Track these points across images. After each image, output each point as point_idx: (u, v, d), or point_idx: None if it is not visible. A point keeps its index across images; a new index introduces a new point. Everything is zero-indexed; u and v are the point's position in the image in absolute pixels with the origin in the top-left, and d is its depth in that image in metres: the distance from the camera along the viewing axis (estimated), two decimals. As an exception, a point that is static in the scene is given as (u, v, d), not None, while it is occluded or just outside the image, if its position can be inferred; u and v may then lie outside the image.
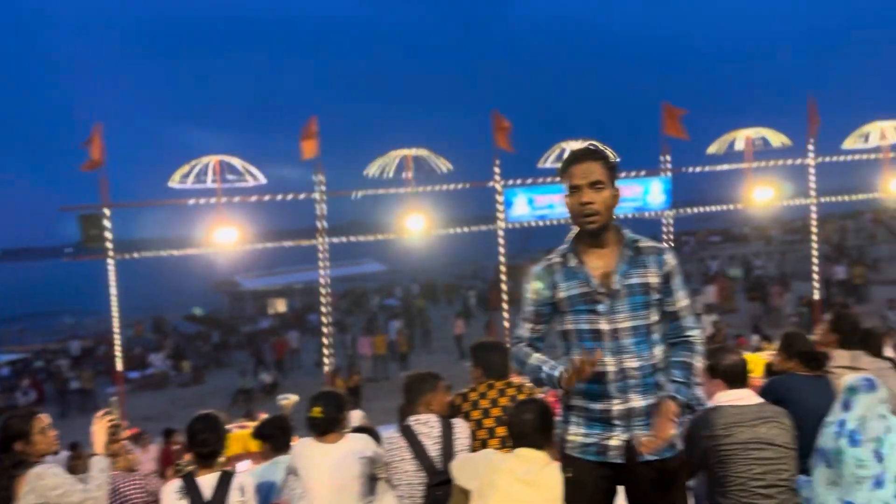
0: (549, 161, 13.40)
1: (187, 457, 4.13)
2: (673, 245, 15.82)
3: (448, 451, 3.45)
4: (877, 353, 4.60)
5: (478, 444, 3.63)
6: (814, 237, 15.70)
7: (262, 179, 12.28)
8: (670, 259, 2.68)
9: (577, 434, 2.68)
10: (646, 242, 2.68)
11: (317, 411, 3.63)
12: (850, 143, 15.08)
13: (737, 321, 21.90)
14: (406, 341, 21.28)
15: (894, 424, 3.28)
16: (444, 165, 12.45)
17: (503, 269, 14.17)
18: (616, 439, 2.62)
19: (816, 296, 16.06)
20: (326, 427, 3.64)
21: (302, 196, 12.56)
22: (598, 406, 2.62)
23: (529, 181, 13.56)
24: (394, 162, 12.44)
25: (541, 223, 13.72)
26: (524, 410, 3.04)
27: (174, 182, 12.18)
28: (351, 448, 3.62)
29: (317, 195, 12.36)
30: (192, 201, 12.35)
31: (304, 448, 3.68)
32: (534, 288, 2.71)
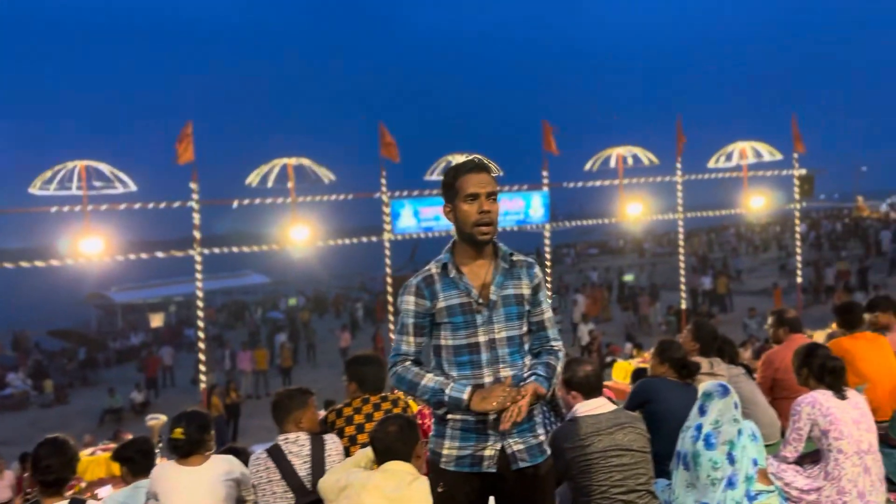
0: (436, 173, 13.50)
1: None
2: (552, 257, 16.31)
3: (319, 470, 3.34)
4: (732, 360, 4.91)
5: (351, 460, 3.55)
6: (681, 250, 16.63)
7: (133, 186, 11.66)
8: (538, 272, 2.79)
9: (451, 447, 2.66)
10: (518, 256, 2.75)
11: (178, 432, 3.44)
12: (713, 162, 16.12)
13: (611, 329, 22.86)
14: (289, 355, 20.75)
15: (745, 427, 3.47)
16: (326, 176, 12.28)
17: (390, 280, 14.12)
18: (490, 449, 2.63)
19: (683, 305, 17.01)
20: (189, 449, 3.45)
21: (176, 204, 12.01)
22: (473, 416, 2.62)
23: (416, 193, 13.61)
24: (274, 171, 12.14)
25: (427, 235, 13.78)
26: (388, 424, 3.00)
27: (35, 188, 11.36)
28: (215, 470, 3.45)
29: (193, 204, 11.85)
30: (54, 209, 11.55)
31: (165, 471, 3.47)
32: (413, 300, 2.67)
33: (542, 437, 2.75)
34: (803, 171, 16.52)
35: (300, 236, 12.29)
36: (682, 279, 16.57)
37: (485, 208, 2.57)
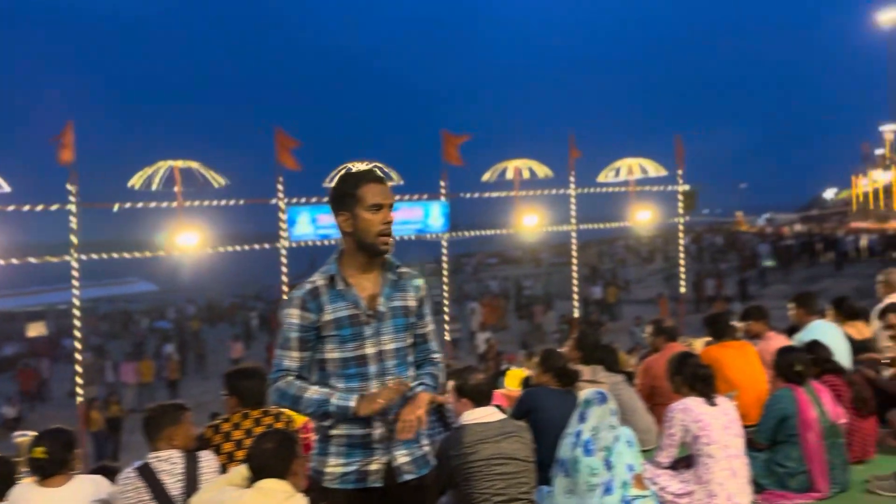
0: (335, 181, 13.25)
1: None
2: (452, 266, 16.45)
3: (192, 489, 3.20)
4: (613, 367, 5.09)
5: (229, 478, 3.42)
6: (574, 260, 17.13)
7: (6, 188, 10.89)
8: (423, 285, 2.80)
9: (336, 464, 2.60)
10: (404, 268, 2.74)
11: (39, 451, 3.24)
12: (603, 177, 16.73)
13: (507, 338, 23.30)
14: (177, 367, 19.93)
15: (622, 434, 3.59)
16: (216, 180, 11.86)
17: (286, 289, 13.80)
18: (376, 463, 2.60)
19: (576, 314, 17.52)
20: (51, 469, 3.26)
21: (54, 207, 11.28)
22: (359, 431, 2.58)
23: (314, 200, 13.39)
24: (160, 173, 11.60)
25: (324, 242, 13.57)
26: (265, 440, 2.91)
27: None
28: (80, 491, 3.26)
29: (71, 206, 11.19)
30: (-85, 211, 10.64)
31: (23, 493, 3.26)
32: (298, 313, 2.60)
33: (427, 448, 2.75)
34: (686, 187, 17.40)
35: (188, 242, 11.81)
36: (575, 289, 17.07)
37: (389, 219, 2.59)
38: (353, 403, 2.50)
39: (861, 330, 6.48)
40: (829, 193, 63.42)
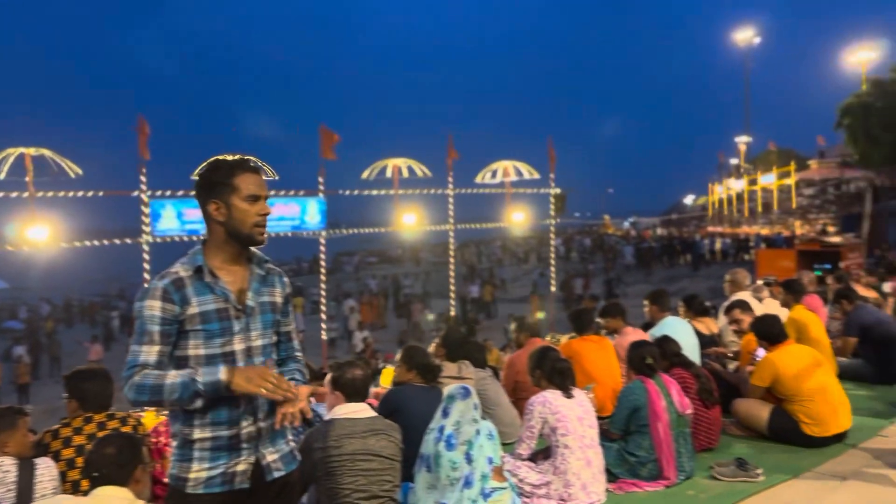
0: (205, 169, 12.75)
1: None
2: (331, 264, 16.26)
3: (26, 498, 2.97)
4: (479, 363, 5.18)
5: (69, 486, 3.21)
6: (451, 260, 17.37)
7: None
8: (289, 282, 2.73)
9: (200, 469, 2.46)
10: (271, 263, 2.66)
11: None
12: (480, 178, 17.08)
13: (386, 336, 23.31)
14: (27, 370, 18.51)
15: (483, 427, 3.65)
16: (72, 169, 11.08)
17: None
18: (244, 463, 2.49)
19: (453, 312, 17.76)
20: None
21: None
22: (226, 432, 2.46)
23: (181, 193, 12.81)
24: (9, 161, 10.68)
25: (192, 238, 13.00)
26: (105, 445, 2.72)
27: None
28: None
29: None
30: None
31: None
32: (159, 305, 2.44)
33: (293, 444, 2.69)
34: (557, 191, 18.06)
35: (40, 236, 10.97)
36: (452, 287, 17.30)
37: (265, 211, 2.50)
38: (223, 376, 2.33)
39: (709, 326, 6.94)
40: (689, 199, 67.90)
